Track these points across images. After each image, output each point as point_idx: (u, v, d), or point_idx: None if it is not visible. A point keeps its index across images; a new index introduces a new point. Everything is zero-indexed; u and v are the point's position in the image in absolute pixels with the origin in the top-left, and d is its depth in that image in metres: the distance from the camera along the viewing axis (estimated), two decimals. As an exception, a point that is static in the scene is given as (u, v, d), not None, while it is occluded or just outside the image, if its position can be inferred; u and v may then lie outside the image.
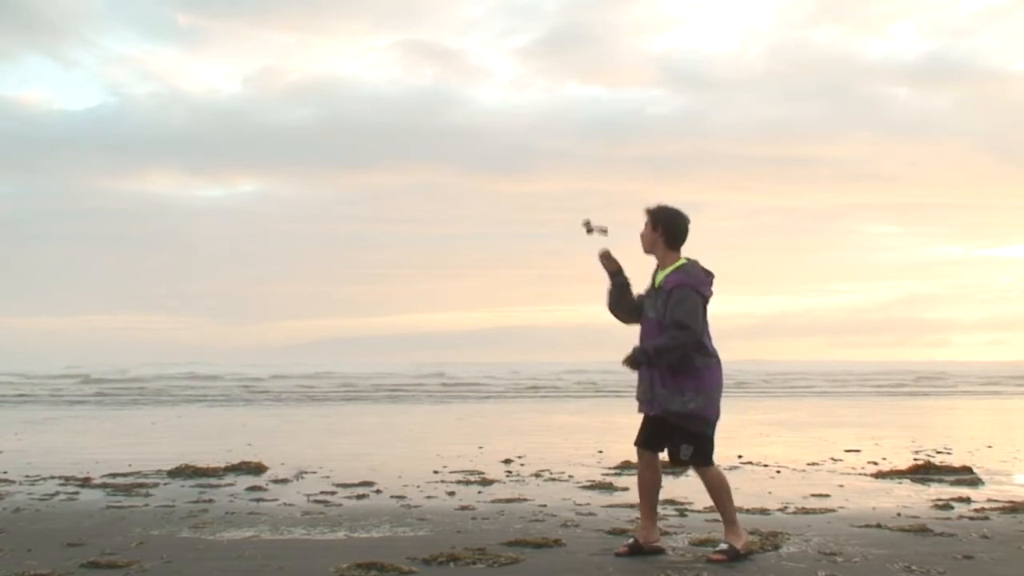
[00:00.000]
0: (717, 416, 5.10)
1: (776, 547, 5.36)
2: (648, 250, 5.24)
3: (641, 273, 5.33)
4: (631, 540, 5.27)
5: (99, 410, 21.95)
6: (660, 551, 5.19)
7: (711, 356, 5.09)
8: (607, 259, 5.35)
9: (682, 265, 5.12)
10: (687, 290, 5.01)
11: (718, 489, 5.09)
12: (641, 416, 5.25)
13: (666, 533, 5.74)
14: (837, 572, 4.76)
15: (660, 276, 5.16)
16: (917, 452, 11.26)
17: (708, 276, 5.16)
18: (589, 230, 5.32)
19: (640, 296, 5.31)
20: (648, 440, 5.19)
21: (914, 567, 4.85)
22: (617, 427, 16.33)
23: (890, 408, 22.85)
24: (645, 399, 5.18)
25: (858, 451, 11.44)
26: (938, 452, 11.30)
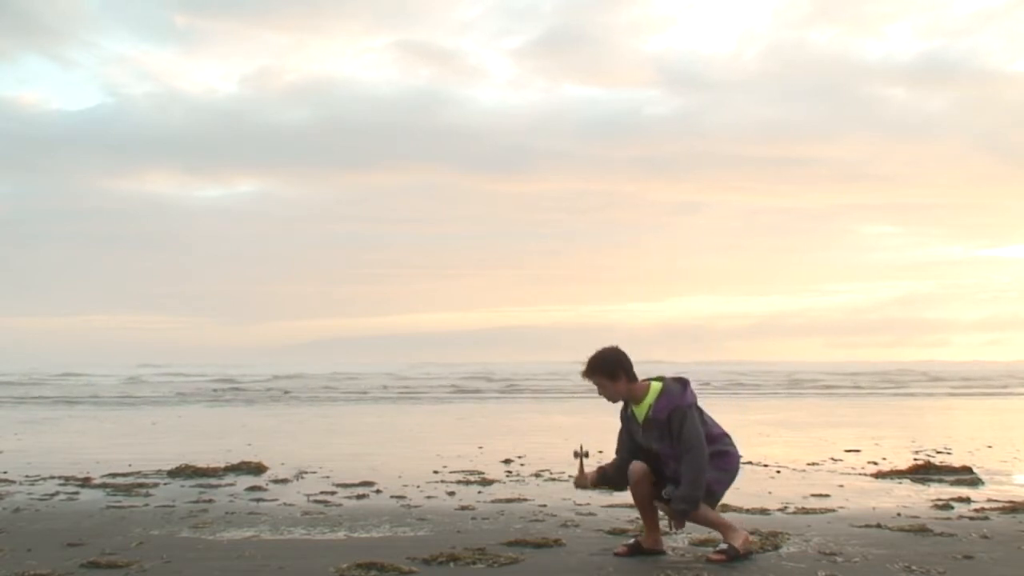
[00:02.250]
0: (722, 494, 5.14)
1: (776, 547, 5.36)
2: (617, 400, 5.21)
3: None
4: (631, 540, 5.27)
5: (99, 410, 21.95)
6: (660, 552, 5.19)
7: (725, 444, 5.14)
8: (584, 483, 5.40)
9: (663, 388, 5.09)
10: (682, 410, 5.00)
11: (701, 520, 5.07)
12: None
13: (666, 533, 5.74)
14: (837, 572, 4.76)
15: (642, 409, 5.11)
16: (917, 452, 11.26)
17: (684, 384, 5.15)
18: (584, 455, 5.42)
19: (621, 448, 5.30)
20: (633, 453, 5.21)
21: (914, 567, 4.85)
22: (617, 427, 16.33)
23: (890, 408, 22.85)
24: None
25: (858, 451, 11.44)
26: (938, 452, 11.30)
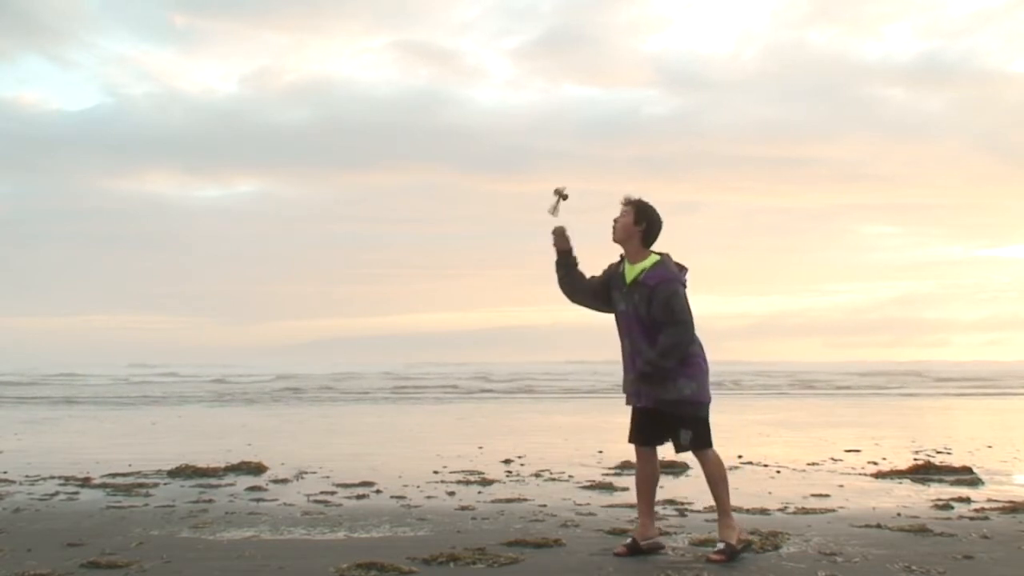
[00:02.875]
0: (710, 399, 5.12)
1: (776, 547, 5.36)
2: (621, 240, 5.17)
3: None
4: (629, 540, 5.27)
5: (99, 410, 21.95)
6: (659, 547, 5.20)
7: (696, 343, 5.11)
8: (562, 237, 5.26)
9: (660, 260, 5.09)
10: (675, 284, 5.00)
11: (716, 476, 5.08)
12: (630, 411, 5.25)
13: (666, 533, 5.74)
14: (837, 572, 4.76)
15: (633, 270, 5.10)
16: (917, 452, 11.26)
17: (683, 270, 5.15)
18: (562, 196, 5.18)
19: (594, 279, 5.26)
20: (642, 436, 5.19)
21: (914, 567, 4.85)
22: (617, 427, 16.32)
23: (890, 408, 22.85)
24: (632, 391, 5.16)
25: (858, 451, 11.44)
26: (938, 452, 11.30)
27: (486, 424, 17.45)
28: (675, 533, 5.87)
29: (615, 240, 5.21)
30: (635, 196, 5.18)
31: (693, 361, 5.04)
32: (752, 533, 5.59)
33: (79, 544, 5.55)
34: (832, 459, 10.57)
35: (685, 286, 5.07)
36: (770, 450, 11.53)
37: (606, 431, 15.25)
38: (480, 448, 11.92)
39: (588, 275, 5.31)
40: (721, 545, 5.02)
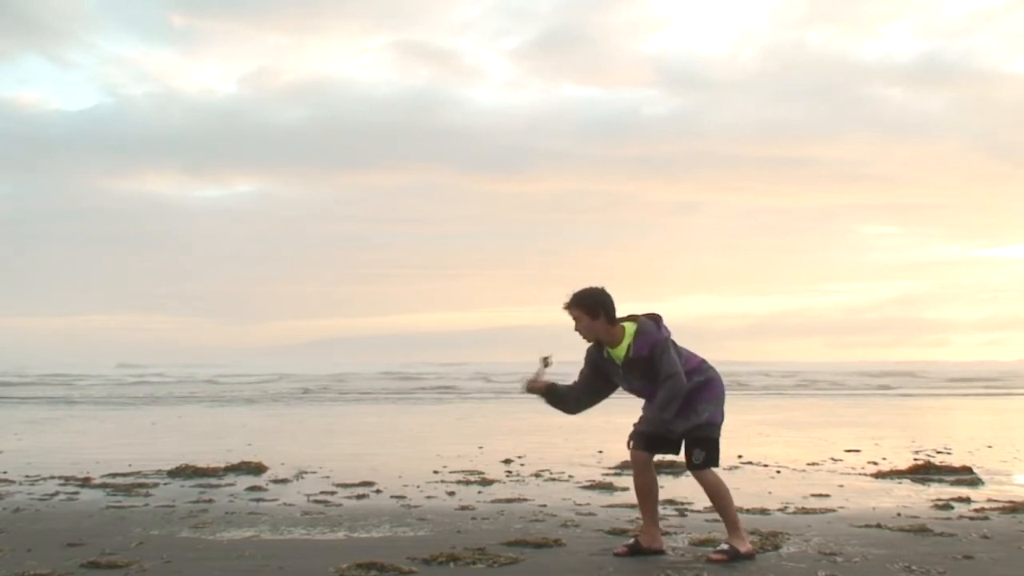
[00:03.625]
0: (722, 420, 5.20)
1: (776, 547, 5.36)
2: (591, 339, 5.22)
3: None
4: (631, 540, 5.27)
5: (99, 410, 21.95)
6: (660, 552, 5.19)
7: (705, 371, 5.18)
8: (534, 388, 5.33)
9: (637, 328, 5.12)
10: (662, 343, 5.06)
11: (718, 494, 5.10)
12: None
13: (666, 533, 5.74)
14: (837, 572, 4.76)
15: (619, 351, 5.13)
16: (917, 452, 11.26)
17: (658, 321, 5.18)
18: (546, 364, 5.32)
19: (584, 379, 5.30)
20: (644, 443, 5.19)
21: (914, 567, 4.85)
22: (617, 427, 16.31)
23: (890, 408, 22.85)
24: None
25: (858, 451, 11.44)
26: (938, 452, 11.30)
27: (486, 424, 17.45)
28: (675, 533, 5.86)
29: (588, 341, 5.25)
30: (567, 297, 5.18)
31: (712, 385, 5.15)
32: (752, 533, 5.59)
33: (79, 544, 5.55)
34: (832, 459, 10.56)
35: (668, 338, 5.11)
36: (770, 450, 11.53)
37: (606, 431, 15.24)
38: (480, 448, 11.92)
39: (577, 374, 5.35)
40: (725, 546, 5.02)
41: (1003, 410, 22.27)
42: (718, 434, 5.15)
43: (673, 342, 5.14)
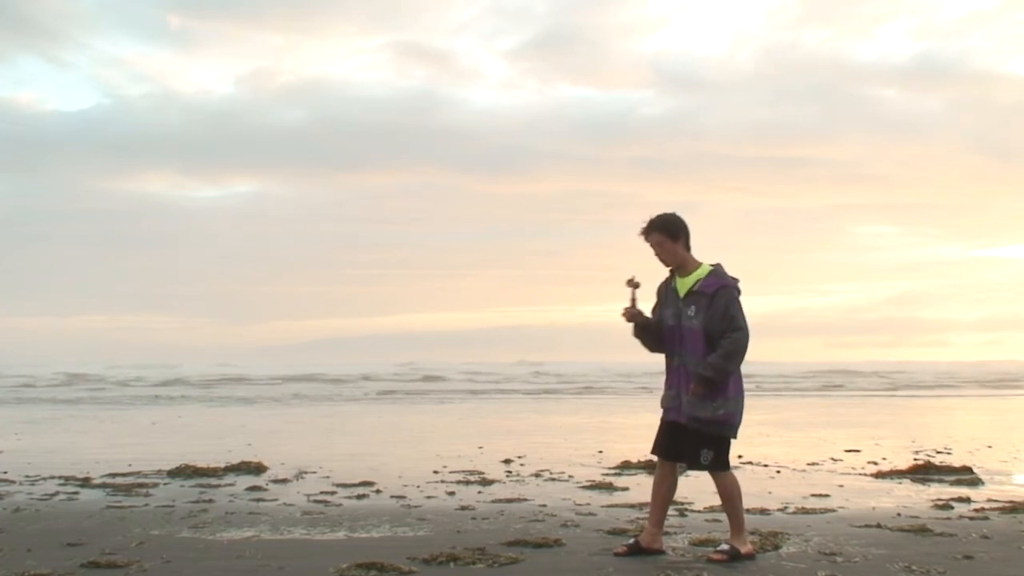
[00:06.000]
0: (740, 421, 5.10)
1: (776, 547, 5.36)
2: (674, 263, 5.15)
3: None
4: (631, 540, 5.27)
5: (99, 410, 21.94)
6: (660, 552, 5.19)
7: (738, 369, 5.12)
8: (634, 315, 5.17)
9: (714, 270, 5.08)
10: (732, 291, 5.00)
11: (732, 495, 5.08)
12: (659, 422, 5.24)
13: (666, 533, 5.73)
14: (837, 572, 4.76)
15: (686, 283, 5.07)
16: (917, 452, 11.26)
17: (736, 280, 5.13)
18: (635, 286, 5.17)
19: (658, 316, 5.21)
20: (667, 449, 5.17)
21: (914, 567, 4.85)
22: (617, 427, 16.33)
23: (890, 408, 22.85)
24: (672, 405, 5.14)
25: (858, 451, 11.44)
26: (938, 452, 11.30)
27: (486, 424, 17.45)
28: (675, 533, 5.86)
29: (669, 266, 5.18)
30: (645, 221, 5.13)
31: (736, 382, 5.04)
32: (752, 533, 5.59)
33: (79, 544, 5.55)
34: (832, 459, 10.56)
35: (740, 293, 5.06)
36: (770, 450, 11.53)
37: (606, 431, 15.25)
38: (480, 448, 11.92)
39: (650, 310, 5.26)
40: (725, 546, 5.02)
41: (1003, 410, 22.27)
42: (731, 434, 5.06)
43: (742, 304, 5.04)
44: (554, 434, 14.53)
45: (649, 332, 5.21)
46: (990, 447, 12.14)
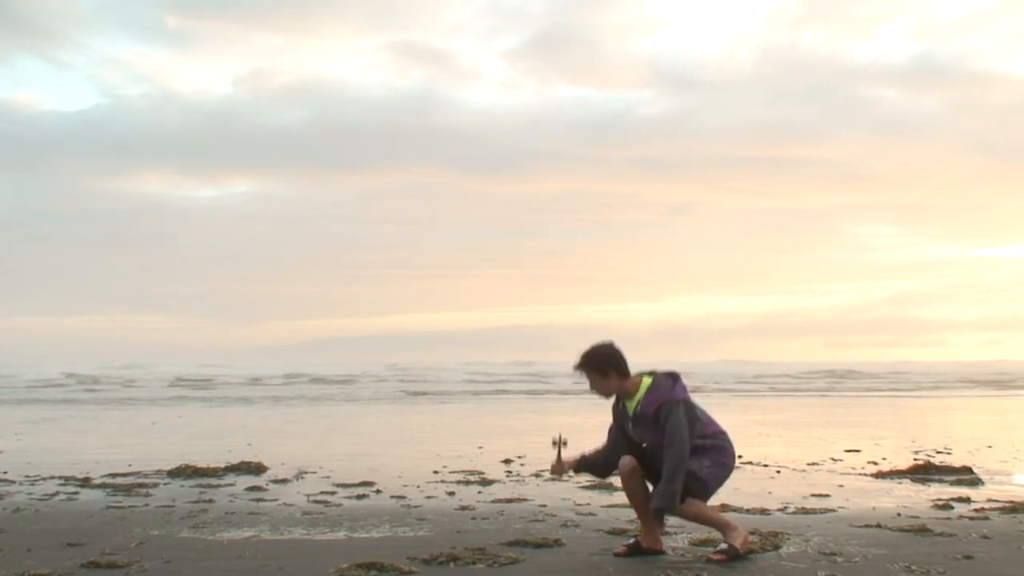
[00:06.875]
0: (714, 490, 5.11)
1: (776, 547, 5.36)
2: (609, 395, 5.24)
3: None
4: (631, 540, 5.27)
5: (99, 410, 21.94)
6: (660, 552, 5.20)
7: (723, 440, 5.13)
8: (562, 467, 5.40)
9: (652, 383, 5.11)
10: (670, 403, 5.01)
11: (698, 515, 5.07)
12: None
13: (666, 533, 5.73)
14: (837, 572, 4.76)
15: (632, 404, 5.14)
16: (917, 452, 11.26)
17: (675, 379, 5.15)
18: (562, 443, 5.39)
19: (612, 441, 5.31)
20: (629, 450, 5.21)
21: (914, 567, 4.85)
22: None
23: (890, 408, 22.85)
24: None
25: (858, 451, 11.44)
26: (938, 452, 11.30)
27: (486, 424, 17.45)
28: (675, 533, 5.86)
29: (607, 398, 5.28)
30: (579, 359, 5.19)
31: (723, 452, 5.09)
32: (752, 533, 5.59)
33: (79, 544, 5.55)
34: (832, 459, 10.56)
35: (682, 399, 5.05)
36: (770, 450, 11.53)
37: (606, 431, 15.24)
38: (480, 448, 11.92)
39: (606, 438, 5.38)
40: (724, 545, 5.03)
41: (1003, 410, 22.28)
42: (704, 494, 5.03)
43: (690, 404, 5.07)
44: (554, 434, 14.53)
45: (592, 467, 5.41)
46: (990, 447, 12.15)
